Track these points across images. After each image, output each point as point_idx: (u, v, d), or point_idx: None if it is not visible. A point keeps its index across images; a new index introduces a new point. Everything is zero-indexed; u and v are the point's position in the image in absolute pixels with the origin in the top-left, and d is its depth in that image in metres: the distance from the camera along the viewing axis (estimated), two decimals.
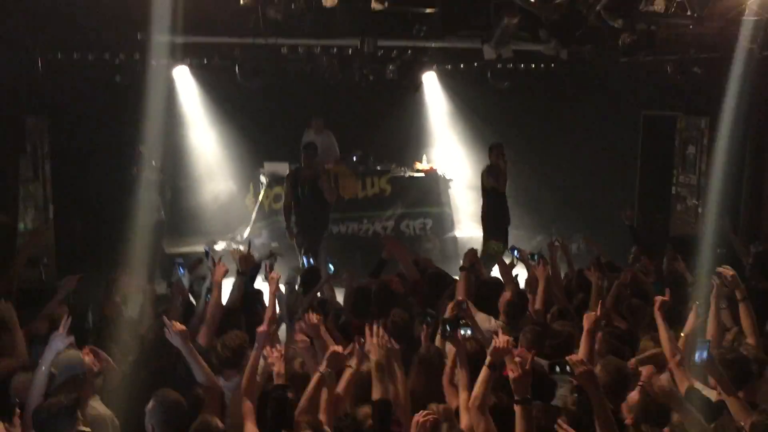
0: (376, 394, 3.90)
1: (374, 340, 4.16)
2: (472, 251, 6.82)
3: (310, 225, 9.07)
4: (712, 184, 8.74)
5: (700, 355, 4.34)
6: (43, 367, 4.13)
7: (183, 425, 3.90)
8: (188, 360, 4.36)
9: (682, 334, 4.86)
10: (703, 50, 8.59)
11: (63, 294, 5.67)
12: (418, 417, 3.54)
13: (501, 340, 4.06)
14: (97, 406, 4.28)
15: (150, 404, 3.96)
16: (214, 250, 8.44)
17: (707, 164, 9.80)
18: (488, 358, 4.08)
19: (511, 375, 3.76)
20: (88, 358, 4.38)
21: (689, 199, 10.41)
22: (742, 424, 3.90)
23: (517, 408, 3.72)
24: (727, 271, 5.24)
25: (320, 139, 11.02)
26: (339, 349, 4.37)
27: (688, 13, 5.89)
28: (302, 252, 8.75)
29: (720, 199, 8.57)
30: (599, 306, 4.90)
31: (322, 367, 4.24)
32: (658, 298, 5.00)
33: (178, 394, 4.05)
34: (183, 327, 4.46)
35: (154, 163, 9.00)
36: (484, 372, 4.01)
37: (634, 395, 4.23)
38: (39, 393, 4.06)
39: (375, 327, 4.25)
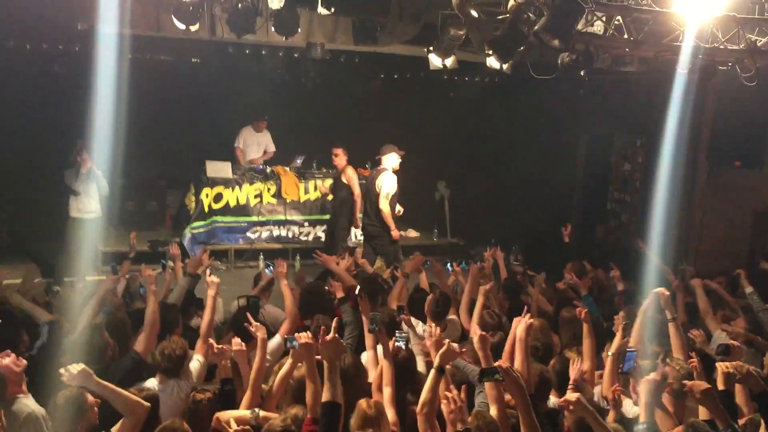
0: (326, 395, 3.86)
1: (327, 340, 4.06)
2: (419, 259, 6.97)
3: None
4: (647, 202, 9.00)
5: (628, 365, 4.49)
6: None
7: None
8: None
9: (609, 353, 5.00)
10: (641, 72, 8.87)
11: None
12: None
13: (452, 345, 4.19)
14: (29, 403, 4.20)
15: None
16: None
17: (641, 182, 10.12)
18: (437, 361, 4.15)
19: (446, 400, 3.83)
20: (8, 359, 4.27)
21: (623, 215, 10.74)
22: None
23: None
24: (664, 292, 5.45)
25: (259, 138, 11.00)
26: None
27: (626, 36, 6.09)
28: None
29: (654, 216, 8.84)
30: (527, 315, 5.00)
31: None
32: (581, 310, 5.24)
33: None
34: None
35: (90, 156, 8.75)
36: (432, 376, 4.07)
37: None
38: None
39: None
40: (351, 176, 9.31)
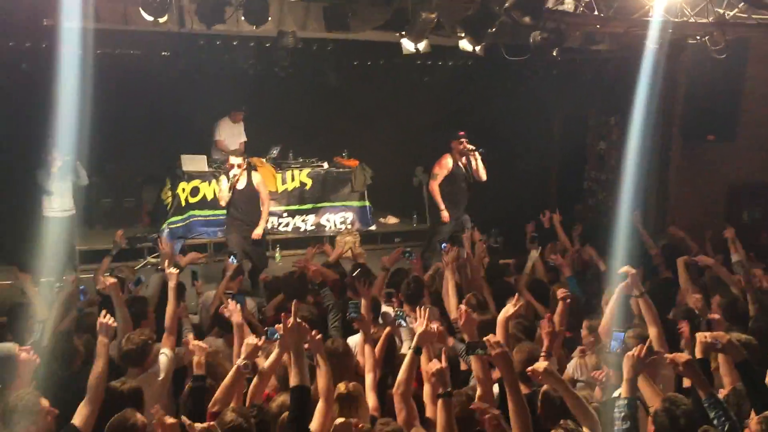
0: (294, 380, 3.86)
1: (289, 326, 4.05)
2: (398, 253, 7.01)
3: None
4: (623, 179, 9.06)
5: (615, 345, 4.50)
6: None
7: None
8: None
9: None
10: (612, 50, 8.91)
11: None
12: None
13: (429, 325, 4.18)
14: None
15: None
16: None
17: (617, 159, 10.19)
18: (414, 342, 4.17)
19: (430, 370, 3.83)
20: (24, 355, 4.34)
21: (600, 192, 10.82)
22: (650, 407, 4.06)
23: (439, 402, 3.78)
24: (630, 270, 5.49)
25: (235, 129, 10.90)
26: (257, 340, 4.36)
27: (596, 12, 6.12)
28: None
29: (629, 193, 8.91)
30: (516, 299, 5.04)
31: (240, 360, 4.22)
32: (562, 291, 5.39)
33: None
34: None
35: (62, 154, 8.62)
36: (409, 356, 4.10)
37: None
38: None
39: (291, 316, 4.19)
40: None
